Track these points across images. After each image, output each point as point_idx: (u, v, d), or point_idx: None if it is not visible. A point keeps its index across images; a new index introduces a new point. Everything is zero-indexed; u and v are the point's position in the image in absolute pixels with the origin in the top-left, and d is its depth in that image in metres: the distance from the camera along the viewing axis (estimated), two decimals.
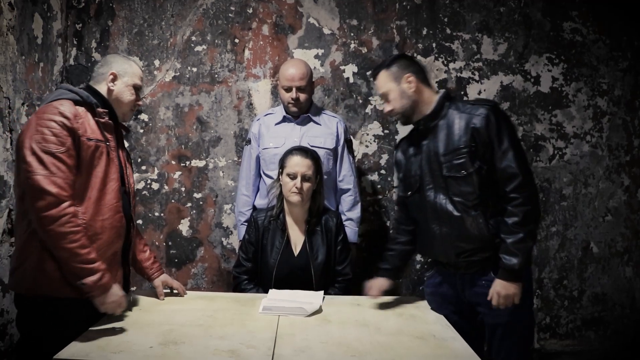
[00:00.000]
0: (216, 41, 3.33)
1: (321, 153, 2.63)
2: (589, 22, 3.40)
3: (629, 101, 3.45)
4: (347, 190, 2.86)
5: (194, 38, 3.32)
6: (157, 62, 3.31)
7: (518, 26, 3.39)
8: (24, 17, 2.74)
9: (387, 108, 2.13)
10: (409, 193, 2.20)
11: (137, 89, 2.03)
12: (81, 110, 1.84)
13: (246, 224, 2.70)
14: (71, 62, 3.28)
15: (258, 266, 2.49)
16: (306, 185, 2.40)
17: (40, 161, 1.70)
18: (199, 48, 3.32)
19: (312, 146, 2.67)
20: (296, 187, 2.38)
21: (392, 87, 2.09)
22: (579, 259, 3.46)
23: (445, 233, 2.07)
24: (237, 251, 3.21)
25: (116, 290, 1.81)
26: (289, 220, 2.49)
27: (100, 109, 1.91)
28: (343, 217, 2.75)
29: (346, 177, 2.86)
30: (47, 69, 3.03)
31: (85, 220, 1.78)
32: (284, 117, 2.83)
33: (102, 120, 1.91)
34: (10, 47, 2.60)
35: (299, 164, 2.39)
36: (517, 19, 3.39)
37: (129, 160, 2.14)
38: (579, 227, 3.45)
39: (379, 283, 2.30)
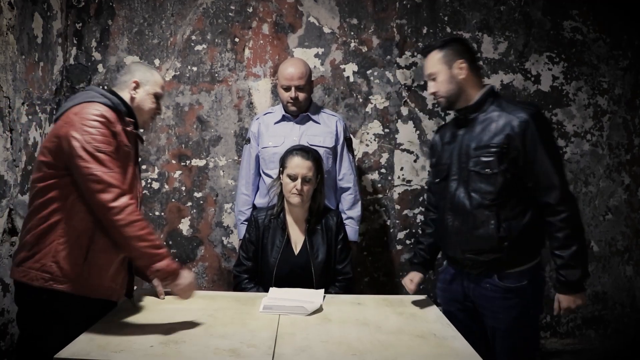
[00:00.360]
0: (216, 40, 3.33)
1: (321, 152, 2.62)
2: (589, 21, 3.40)
3: (629, 100, 3.45)
4: (347, 188, 2.86)
5: (194, 37, 3.32)
6: (157, 62, 3.31)
7: (518, 25, 3.39)
8: (24, 17, 2.74)
9: (432, 89, 2.10)
10: (437, 180, 2.20)
11: (158, 97, 2.06)
12: (114, 115, 1.88)
13: (246, 223, 2.70)
14: (71, 61, 3.28)
15: (258, 265, 2.49)
16: (307, 186, 2.40)
17: (97, 159, 1.75)
18: (199, 47, 3.32)
19: (311, 145, 2.67)
20: (296, 189, 2.38)
21: (442, 70, 2.05)
22: None
23: (457, 227, 2.07)
24: (237, 250, 3.21)
25: (187, 274, 1.87)
26: (290, 219, 2.49)
27: (127, 118, 1.96)
28: (343, 216, 2.74)
29: (346, 176, 2.86)
30: (47, 68, 3.03)
31: None
32: (283, 116, 2.83)
33: (128, 128, 1.95)
34: (10, 46, 2.60)
35: (299, 166, 2.39)
36: (517, 17, 3.38)
37: (140, 170, 2.18)
38: None
39: (410, 277, 2.30)
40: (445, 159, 2.14)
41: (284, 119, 2.83)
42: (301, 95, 2.73)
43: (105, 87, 2.04)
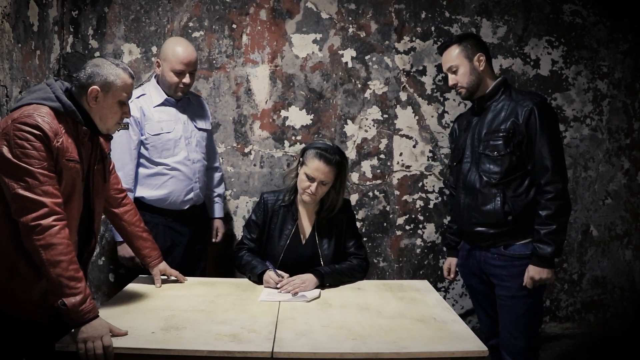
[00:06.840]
0: (213, 27, 3.30)
1: (206, 135, 2.81)
2: (589, 5, 3.37)
3: (629, 84, 3.44)
4: (217, 168, 3.01)
5: (191, 24, 3.30)
6: (154, 49, 3.28)
7: (517, 9, 3.37)
8: (20, 5, 2.71)
9: (453, 82, 2.28)
10: (454, 163, 2.42)
11: (123, 103, 1.81)
12: (61, 126, 1.68)
13: None
14: (68, 49, 3.26)
15: (263, 248, 2.47)
16: (322, 189, 2.33)
17: (24, 175, 1.59)
18: (196, 34, 3.30)
19: (199, 129, 2.75)
20: (310, 190, 2.32)
21: (463, 63, 2.24)
22: (578, 243, 3.47)
23: (467, 203, 2.28)
24: (238, 237, 3.21)
25: (99, 323, 1.62)
26: (301, 209, 2.46)
27: (84, 128, 1.75)
28: (213, 194, 2.96)
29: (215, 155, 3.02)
30: (44, 56, 3.01)
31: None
32: (166, 99, 2.66)
33: (83, 140, 1.77)
34: (6, 34, 2.59)
35: (319, 170, 2.29)
36: (516, 1, 3.36)
37: (105, 174, 1.96)
38: (578, 210, 3.45)
39: (447, 265, 2.58)
40: (461, 144, 2.35)
41: (166, 102, 2.66)
42: (191, 80, 2.65)
43: (71, 85, 1.77)
